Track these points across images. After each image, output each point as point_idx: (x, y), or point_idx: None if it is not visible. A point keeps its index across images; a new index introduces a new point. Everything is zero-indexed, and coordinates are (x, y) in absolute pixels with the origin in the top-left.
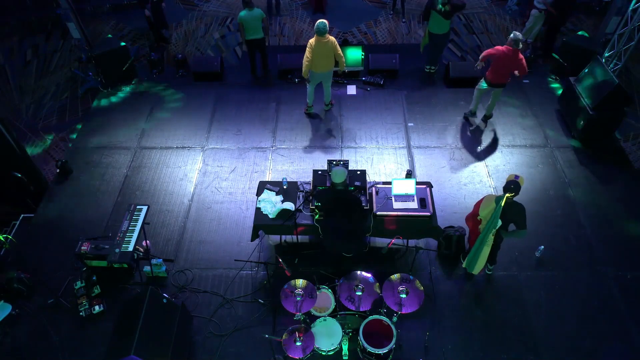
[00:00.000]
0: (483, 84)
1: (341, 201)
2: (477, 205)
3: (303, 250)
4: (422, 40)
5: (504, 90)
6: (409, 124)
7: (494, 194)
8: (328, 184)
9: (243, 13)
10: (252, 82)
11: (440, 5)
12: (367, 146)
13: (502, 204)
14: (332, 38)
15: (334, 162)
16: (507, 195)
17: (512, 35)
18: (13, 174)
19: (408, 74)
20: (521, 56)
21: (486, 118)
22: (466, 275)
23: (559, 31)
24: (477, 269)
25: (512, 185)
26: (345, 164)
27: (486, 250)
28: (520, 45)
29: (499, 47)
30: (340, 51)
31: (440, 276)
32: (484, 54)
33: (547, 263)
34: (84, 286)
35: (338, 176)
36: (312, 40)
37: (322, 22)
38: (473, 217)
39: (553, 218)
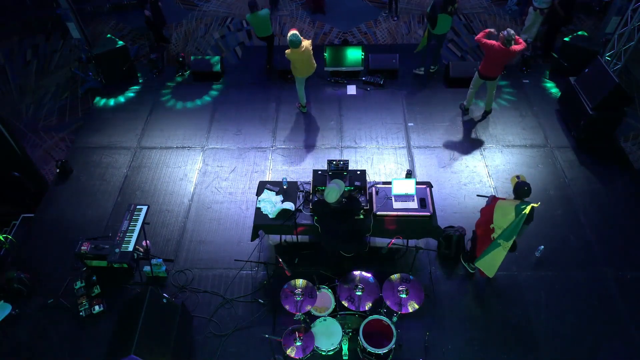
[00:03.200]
0: (476, 76)
1: (337, 212)
2: (488, 212)
3: (303, 250)
4: (421, 42)
5: (505, 90)
6: (409, 124)
7: (504, 199)
8: (328, 184)
9: (249, 17)
10: (252, 81)
11: (450, 7)
12: (367, 146)
13: (528, 213)
14: (306, 43)
15: (334, 162)
16: (534, 205)
17: (504, 33)
18: (13, 174)
19: (408, 74)
20: (514, 48)
21: (486, 114)
22: (466, 275)
23: (559, 31)
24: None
25: (526, 187)
26: (345, 163)
27: (504, 254)
28: (512, 44)
29: (494, 43)
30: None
31: (440, 276)
32: (482, 38)
33: (547, 263)
34: (84, 286)
35: (331, 196)
36: (288, 51)
37: (294, 34)
38: (485, 225)
39: (553, 218)
